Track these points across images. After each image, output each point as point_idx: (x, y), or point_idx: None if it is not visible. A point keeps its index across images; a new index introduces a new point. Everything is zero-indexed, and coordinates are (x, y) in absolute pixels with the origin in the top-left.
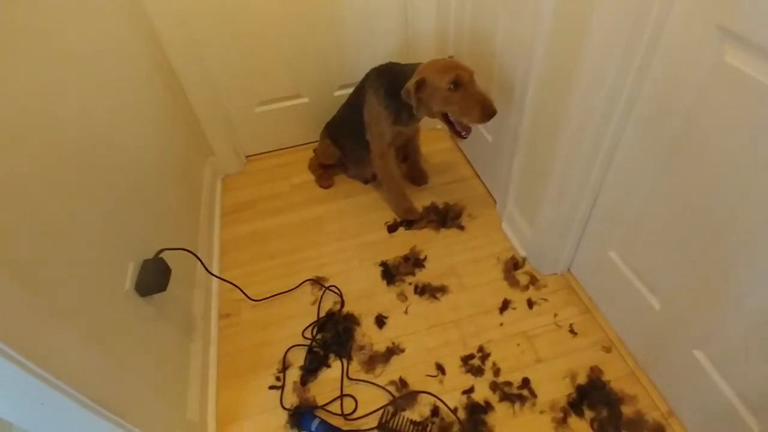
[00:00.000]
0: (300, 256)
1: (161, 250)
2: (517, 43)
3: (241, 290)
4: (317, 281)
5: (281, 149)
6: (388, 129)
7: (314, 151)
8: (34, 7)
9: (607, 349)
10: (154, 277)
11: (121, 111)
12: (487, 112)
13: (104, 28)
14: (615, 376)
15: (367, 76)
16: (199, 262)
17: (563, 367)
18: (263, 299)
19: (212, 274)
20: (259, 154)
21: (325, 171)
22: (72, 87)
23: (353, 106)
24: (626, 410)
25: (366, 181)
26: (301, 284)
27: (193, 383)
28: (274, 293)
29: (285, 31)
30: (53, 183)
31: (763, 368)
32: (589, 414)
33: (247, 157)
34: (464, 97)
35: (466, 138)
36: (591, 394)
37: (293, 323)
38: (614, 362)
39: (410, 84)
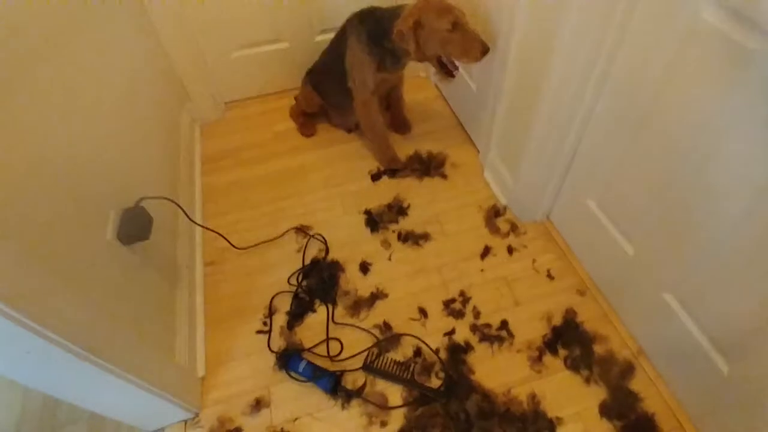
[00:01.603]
0: (284, 204)
1: (141, 199)
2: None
3: (225, 238)
4: (301, 229)
5: (262, 96)
6: (371, 76)
7: (296, 98)
8: None
9: (582, 293)
10: (135, 226)
11: (92, 54)
12: (484, 50)
13: None
14: (588, 318)
15: (349, 21)
16: (181, 211)
17: (540, 309)
18: (248, 247)
19: (195, 222)
20: (238, 100)
21: (307, 119)
22: (44, 27)
23: (335, 52)
24: (598, 349)
25: (349, 130)
26: (285, 233)
27: (181, 328)
28: (259, 242)
29: None
30: (27, 130)
31: (729, 309)
32: (563, 352)
33: (226, 103)
34: (463, 36)
35: (454, 78)
36: (565, 334)
37: (278, 271)
38: (588, 305)
39: (405, 25)
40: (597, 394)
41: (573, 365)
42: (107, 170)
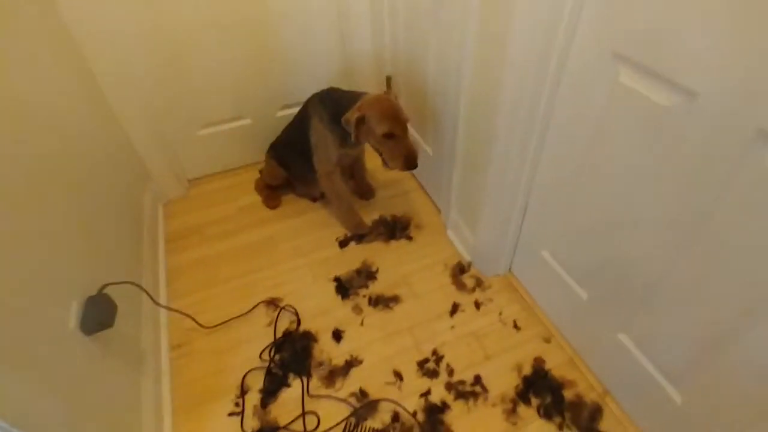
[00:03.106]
0: (253, 278)
1: (104, 286)
2: (446, 65)
3: (192, 318)
4: (272, 302)
5: (225, 171)
6: (334, 151)
7: (260, 171)
8: None
9: (547, 340)
10: (99, 315)
11: (46, 139)
12: (409, 165)
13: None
14: (556, 364)
15: (310, 102)
16: (146, 294)
17: (510, 360)
18: (216, 326)
19: (160, 305)
20: (202, 177)
21: (271, 191)
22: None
23: (298, 129)
24: (567, 394)
25: (314, 199)
26: (255, 307)
27: (147, 420)
28: (228, 318)
29: (222, 55)
30: None
31: (674, 342)
32: (535, 401)
33: (189, 180)
34: (394, 146)
35: (391, 170)
36: (536, 383)
37: (249, 347)
38: (554, 351)
39: (351, 116)
40: None
41: (546, 413)
42: (66, 259)
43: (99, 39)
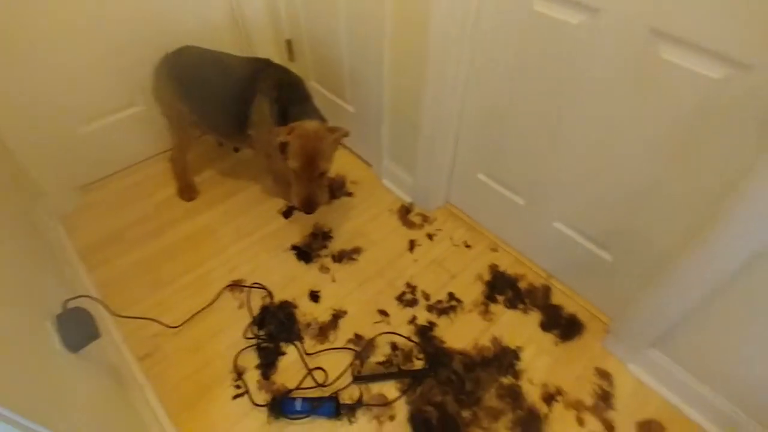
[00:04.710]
0: (203, 269)
1: (66, 301)
2: (363, 23)
3: (157, 321)
4: (235, 285)
5: (125, 169)
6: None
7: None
8: None
9: (495, 249)
10: (79, 328)
11: None
12: (305, 208)
13: None
14: (507, 265)
15: (262, 79)
16: (99, 310)
17: (471, 273)
18: (183, 323)
19: (120, 315)
20: (98, 180)
21: (186, 183)
22: None
23: (232, 89)
24: (522, 285)
25: (236, 150)
26: (218, 295)
27: (152, 428)
28: (193, 313)
29: (92, 35)
30: None
31: (597, 212)
32: (500, 298)
33: (83, 186)
34: (299, 183)
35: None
36: (496, 284)
37: (229, 332)
38: (503, 256)
39: (279, 136)
40: (534, 318)
41: (511, 304)
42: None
43: None
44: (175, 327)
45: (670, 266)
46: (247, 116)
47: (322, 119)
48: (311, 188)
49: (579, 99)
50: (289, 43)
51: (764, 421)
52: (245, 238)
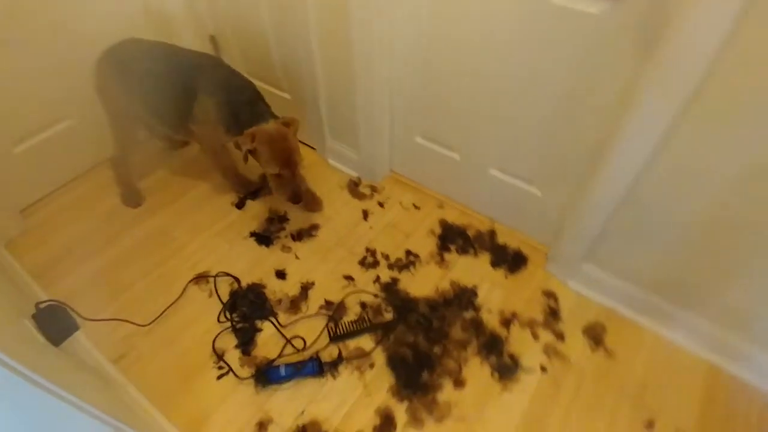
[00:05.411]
0: (164, 269)
1: (37, 304)
2: (288, 14)
3: (129, 321)
4: (201, 277)
5: (62, 187)
6: (221, 137)
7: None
8: None
9: (441, 206)
10: (56, 323)
11: None
12: (295, 201)
13: None
14: (454, 218)
15: (204, 74)
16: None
17: (423, 230)
18: (154, 320)
19: (90, 319)
20: (37, 201)
21: (130, 189)
22: None
23: (175, 83)
24: (470, 233)
25: (174, 148)
26: (185, 289)
27: (143, 419)
28: (162, 310)
29: (15, 50)
30: None
31: (528, 152)
32: (453, 247)
33: (22, 211)
34: (281, 183)
35: None
36: (447, 236)
37: (202, 320)
38: (449, 211)
39: (243, 144)
40: (484, 259)
41: (463, 251)
42: None
43: None
44: (146, 325)
45: (585, 188)
46: (190, 111)
47: (275, 117)
48: (294, 184)
49: (490, 52)
50: (213, 39)
51: (677, 301)
52: (202, 234)
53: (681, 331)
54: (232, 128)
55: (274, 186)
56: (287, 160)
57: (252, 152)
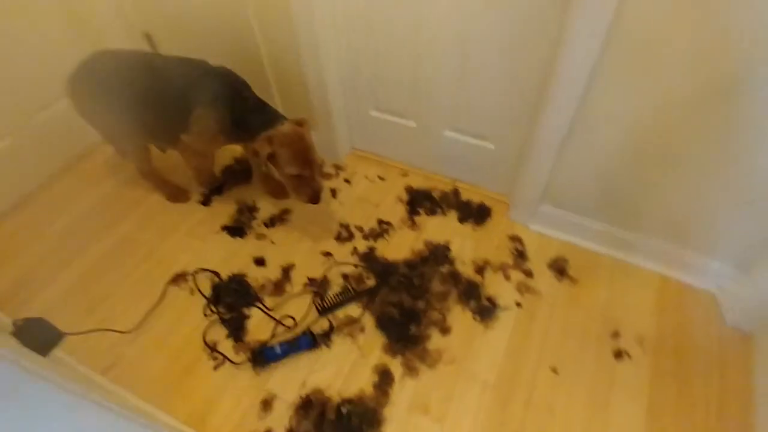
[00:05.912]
0: (138, 274)
1: (14, 322)
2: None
3: (112, 330)
4: (179, 277)
5: (16, 206)
6: (218, 145)
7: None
8: None
9: (405, 174)
10: (38, 334)
11: None
12: (314, 201)
13: None
14: (418, 183)
15: (201, 84)
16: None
17: (391, 198)
18: (137, 326)
19: (74, 333)
20: None
21: (171, 187)
22: None
23: (167, 97)
24: (435, 195)
25: (163, 150)
26: (164, 291)
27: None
28: (144, 314)
29: None
30: None
31: (480, 110)
32: (422, 210)
33: None
34: (300, 184)
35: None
36: (414, 200)
37: (187, 318)
38: (413, 177)
39: (262, 150)
40: (452, 216)
41: (431, 212)
42: None
43: None
44: (130, 332)
45: (532, 132)
46: (184, 123)
47: (284, 118)
48: (312, 183)
49: (430, 20)
50: (148, 36)
51: (624, 224)
52: (172, 235)
53: (631, 252)
54: (233, 136)
55: (292, 187)
56: (306, 159)
57: (270, 156)
